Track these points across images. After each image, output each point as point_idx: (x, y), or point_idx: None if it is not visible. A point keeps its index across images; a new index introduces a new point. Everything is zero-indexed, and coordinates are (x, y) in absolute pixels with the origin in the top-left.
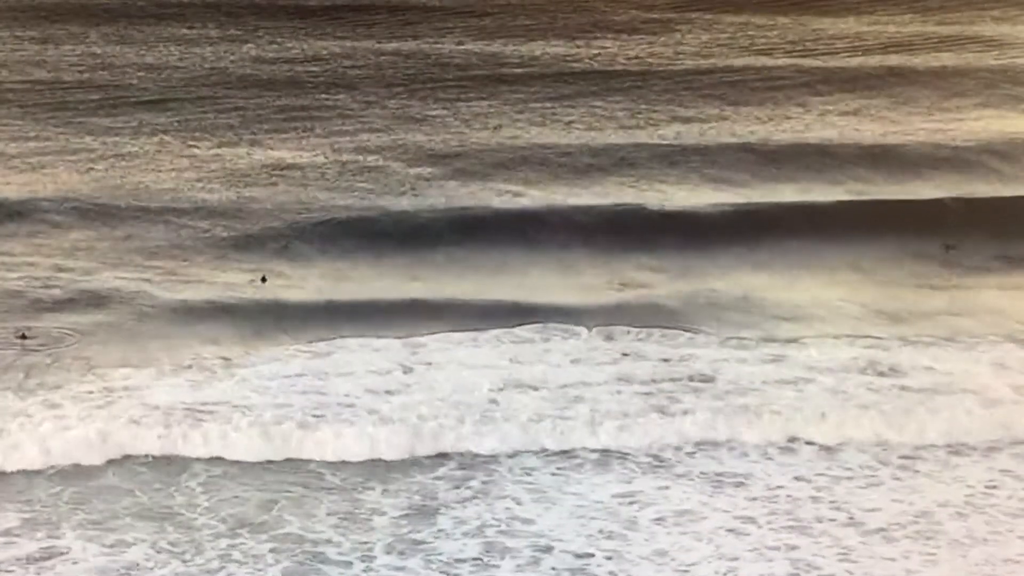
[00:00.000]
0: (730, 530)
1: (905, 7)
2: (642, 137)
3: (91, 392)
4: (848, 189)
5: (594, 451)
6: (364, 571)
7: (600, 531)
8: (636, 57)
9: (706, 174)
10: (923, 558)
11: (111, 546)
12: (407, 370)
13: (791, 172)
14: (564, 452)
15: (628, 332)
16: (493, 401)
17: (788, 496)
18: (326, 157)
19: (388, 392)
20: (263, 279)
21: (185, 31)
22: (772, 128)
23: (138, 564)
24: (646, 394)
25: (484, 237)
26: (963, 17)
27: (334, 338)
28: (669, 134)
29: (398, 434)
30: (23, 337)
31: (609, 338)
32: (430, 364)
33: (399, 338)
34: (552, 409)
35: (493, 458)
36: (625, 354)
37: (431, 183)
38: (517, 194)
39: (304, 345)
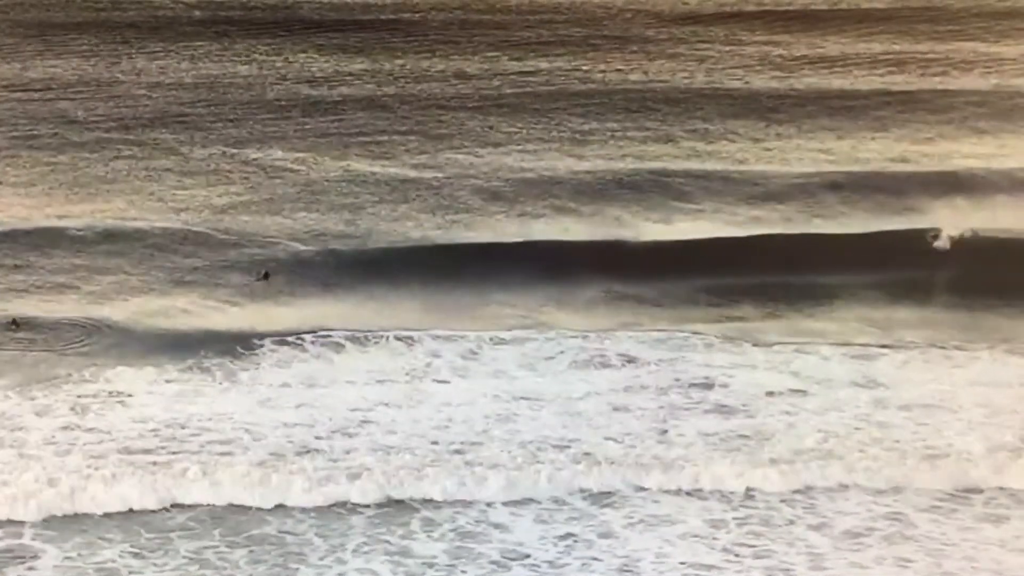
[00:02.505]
0: (704, 535)
1: (896, 25)
2: (618, 163)
3: (93, 396)
4: (837, 219)
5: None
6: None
7: (572, 535)
8: (606, 73)
9: (686, 203)
10: (895, 563)
11: (78, 548)
12: (412, 378)
13: (779, 201)
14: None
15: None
16: (487, 430)
17: (763, 501)
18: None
19: (394, 406)
20: (265, 275)
21: (204, 44)
22: (759, 154)
23: (113, 570)
24: (646, 412)
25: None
26: (954, 35)
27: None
28: (655, 157)
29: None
30: (15, 324)
31: (608, 340)
32: (430, 374)
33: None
34: (549, 433)
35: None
36: (626, 360)
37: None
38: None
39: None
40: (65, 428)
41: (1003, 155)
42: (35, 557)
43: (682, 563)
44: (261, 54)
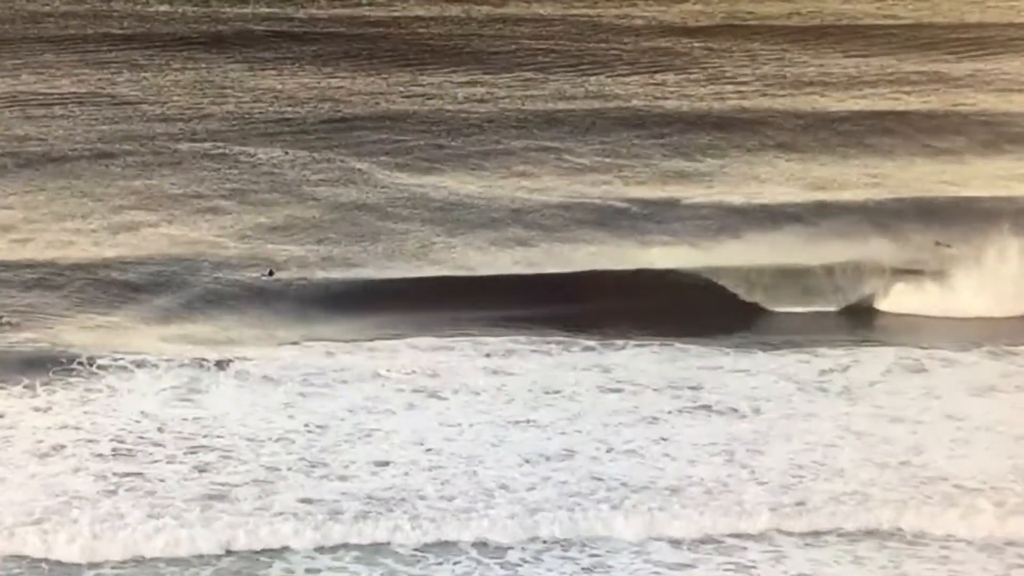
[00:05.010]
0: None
1: (890, 44)
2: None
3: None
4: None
5: None
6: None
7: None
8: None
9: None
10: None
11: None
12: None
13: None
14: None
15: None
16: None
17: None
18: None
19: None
20: (271, 273)
21: (200, 54)
22: (739, 180)
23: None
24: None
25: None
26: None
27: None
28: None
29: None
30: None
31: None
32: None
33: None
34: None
35: None
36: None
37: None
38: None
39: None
40: (62, 427)
41: (1003, 179)
42: None
43: (647, 562)
44: (259, 66)
